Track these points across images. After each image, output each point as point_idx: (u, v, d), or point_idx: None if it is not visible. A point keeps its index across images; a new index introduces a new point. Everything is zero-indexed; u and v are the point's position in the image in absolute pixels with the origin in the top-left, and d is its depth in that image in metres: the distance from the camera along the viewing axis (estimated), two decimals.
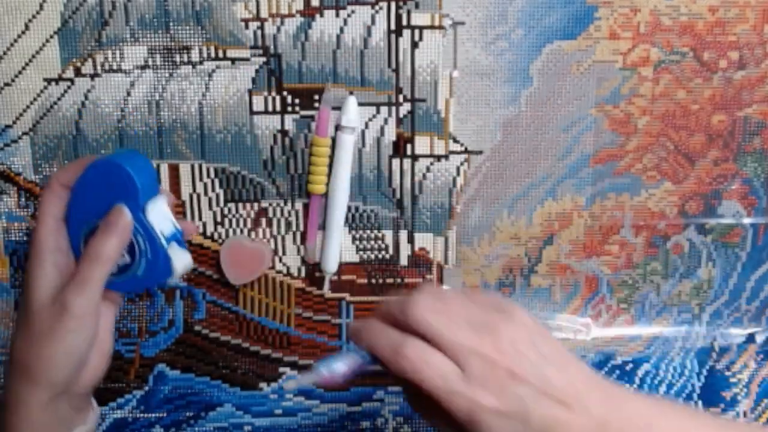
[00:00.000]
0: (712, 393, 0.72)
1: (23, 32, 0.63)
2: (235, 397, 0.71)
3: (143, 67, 0.64)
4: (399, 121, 0.66)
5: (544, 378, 0.49)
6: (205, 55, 0.64)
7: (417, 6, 0.63)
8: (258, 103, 0.65)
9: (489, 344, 0.49)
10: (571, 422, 0.48)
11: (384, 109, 0.66)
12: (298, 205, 0.67)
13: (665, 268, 0.70)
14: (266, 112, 0.65)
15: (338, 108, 0.65)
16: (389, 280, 0.69)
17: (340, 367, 0.52)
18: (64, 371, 0.54)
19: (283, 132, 0.66)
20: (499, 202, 0.68)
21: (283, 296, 0.69)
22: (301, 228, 0.68)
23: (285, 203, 0.67)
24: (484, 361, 0.49)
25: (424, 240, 0.69)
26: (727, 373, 0.72)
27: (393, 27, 0.64)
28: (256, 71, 0.65)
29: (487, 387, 0.48)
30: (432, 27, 0.64)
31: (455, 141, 0.66)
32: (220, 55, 0.64)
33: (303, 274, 0.69)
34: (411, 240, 0.68)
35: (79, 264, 0.54)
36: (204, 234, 0.67)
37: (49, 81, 0.64)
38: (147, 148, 0.65)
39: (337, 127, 0.65)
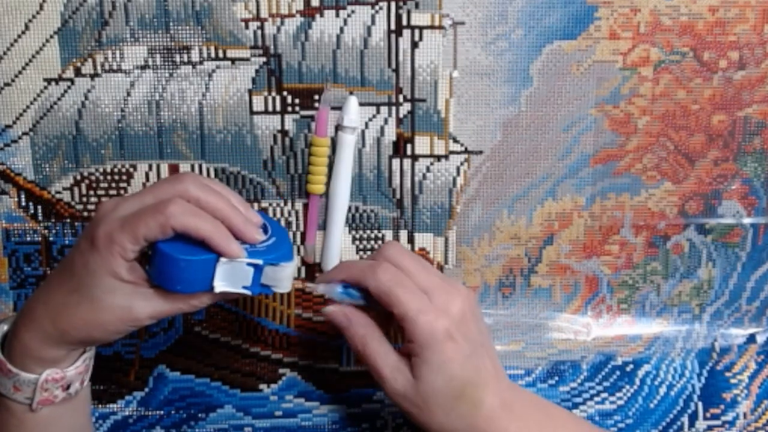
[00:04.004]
0: (713, 394, 0.72)
1: (23, 32, 0.63)
2: (235, 398, 0.70)
3: (143, 67, 0.64)
4: (399, 121, 0.66)
5: (483, 340, 0.58)
6: (205, 55, 0.64)
7: (417, 6, 0.64)
8: (258, 103, 0.65)
9: (452, 289, 0.57)
10: (485, 398, 0.56)
11: (384, 109, 0.66)
12: (298, 205, 0.67)
13: (665, 268, 0.70)
14: (266, 112, 0.65)
15: (338, 108, 0.65)
16: None
17: (347, 299, 0.59)
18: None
19: (283, 132, 0.66)
20: (499, 202, 0.68)
21: (282, 297, 0.69)
22: (301, 228, 0.68)
23: (285, 203, 0.67)
24: (449, 296, 0.56)
25: (424, 240, 0.68)
26: (728, 374, 0.72)
27: (393, 27, 0.64)
28: (256, 71, 0.65)
29: (448, 315, 0.56)
30: (432, 27, 0.64)
31: (455, 141, 0.67)
32: (220, 55, 0.64)
33: (303, 274, 0.69)
34: (411, 240, 0.68)
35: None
36: None
37: (49, 81, 0.64)
38: (147, 148, 0.65)
39: (338, 127, 0.65)
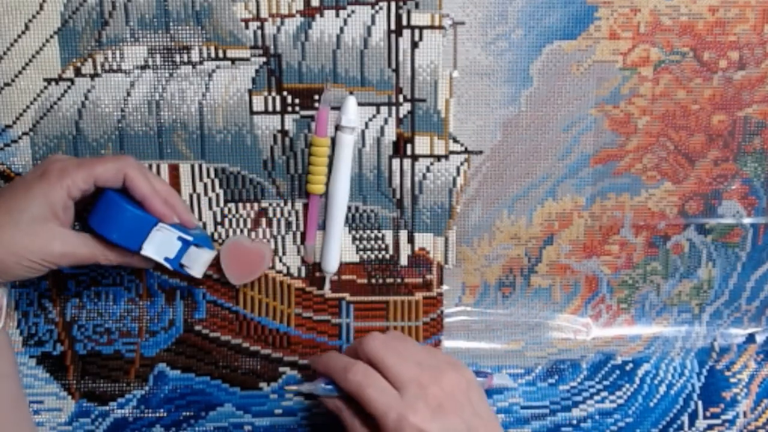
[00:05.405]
0: (712, 393, 0.72)
1: (23, 32, 0.63)
2: (235, 396, 0.71)
3: (143, 67, 0.64)
4: (399, 121, 0.66)
5: (471, 426, 0.56)
6: (205, 55, 0.64)
7: (417, 6, 0.63)
8: (258, 103, 0.65)
9: (429, 379, 0.57)
10: None
11: (384, 109, 0.66)
12: (298, 205, 0.67)
13: (665, 268, 0.70)
14: (266, 112, 0.65)
15: (338, 108, 0.65)
16: (389, 280, 0.69)
17: (330, 394, 0.62)
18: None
19: (283, 132, 0.66)
20: (499, 202, 0.68)
21: (283, 296, 0.69)
22: (301, 228, 0.68)
23: (285, 203, 0.67)
24: (421, 389, 0.56)
25: (424, 240, 0.69)
26: (727, 373, 0.72)
27: (393, 27, 0.64)
28: (256, 71, 0.65)
29: (417, 409, 0.55)
30: (432, 27, 0.64)
31: (455, 141, 0.67)
32: (220, 55, 0.64)
33: (303, 274, 0.69)
34: (411, 240, 0.68)
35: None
36: None
37: (49, 81, 0.64)
38: (147, 148, 0.65)
39: (337, 127, 0.65)
